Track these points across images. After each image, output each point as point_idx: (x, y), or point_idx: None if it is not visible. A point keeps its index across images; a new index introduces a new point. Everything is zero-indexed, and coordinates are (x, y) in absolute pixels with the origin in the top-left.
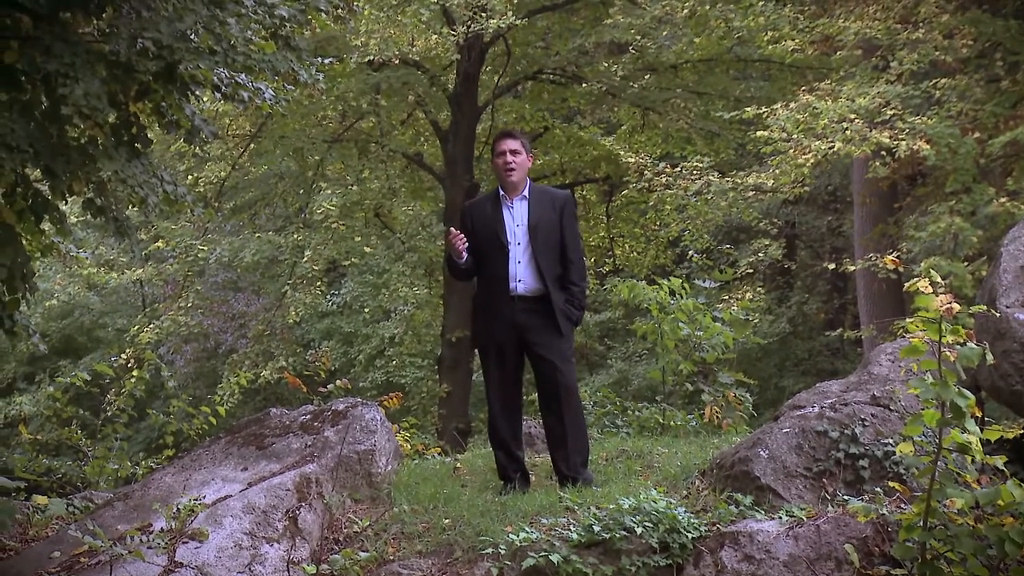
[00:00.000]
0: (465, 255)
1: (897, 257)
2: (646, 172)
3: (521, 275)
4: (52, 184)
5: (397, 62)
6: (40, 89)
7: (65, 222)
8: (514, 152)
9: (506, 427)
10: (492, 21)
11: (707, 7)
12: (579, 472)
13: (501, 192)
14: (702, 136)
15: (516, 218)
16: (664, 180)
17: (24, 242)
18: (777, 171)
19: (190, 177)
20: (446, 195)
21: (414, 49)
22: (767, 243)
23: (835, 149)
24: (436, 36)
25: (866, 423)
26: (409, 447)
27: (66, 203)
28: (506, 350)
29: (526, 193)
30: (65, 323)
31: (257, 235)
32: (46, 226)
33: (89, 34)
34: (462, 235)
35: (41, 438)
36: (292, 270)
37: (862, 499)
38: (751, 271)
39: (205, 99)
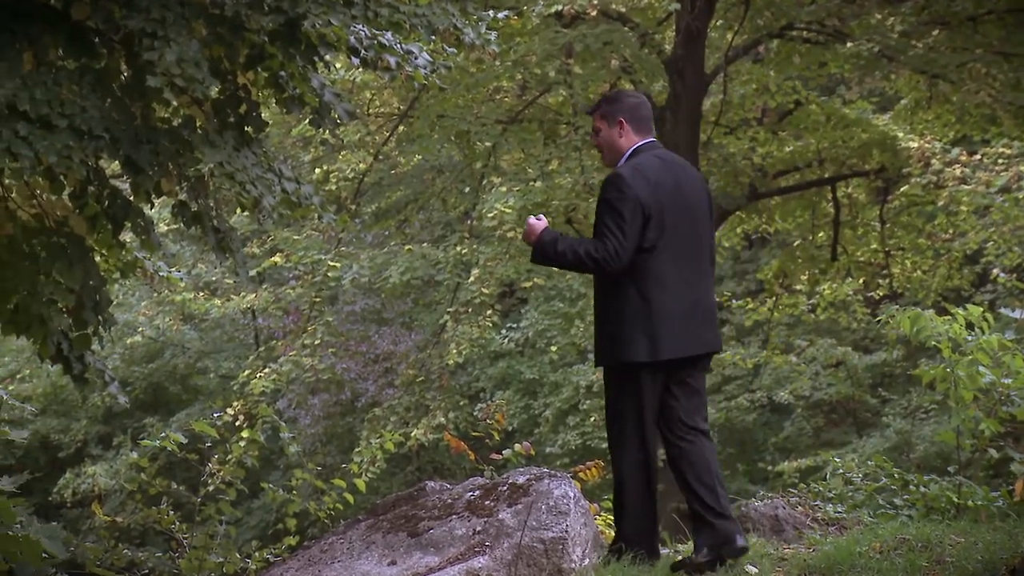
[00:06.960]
0: None
1: None
2: (934, 162)
3: None
4: (135, 181)
5: (595, 15)
6: (119, 55)
7: (152, 232)
8: None
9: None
10: None
11: None
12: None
13: None
14: (1011, 113)
15: None
16: (959, 173)
17: (98, 259)
18: None
19: (318, 171)
20: None
21: None
22: None
23: None
24: None
25: None
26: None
27: (153, 207)
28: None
29: None
30: (152, 367)
31: (407, 248)
32: (127, 237)
33: None
34: None
35: (121, 521)
36: (454, 295)
37: None
38: None
39: (338, 67)
